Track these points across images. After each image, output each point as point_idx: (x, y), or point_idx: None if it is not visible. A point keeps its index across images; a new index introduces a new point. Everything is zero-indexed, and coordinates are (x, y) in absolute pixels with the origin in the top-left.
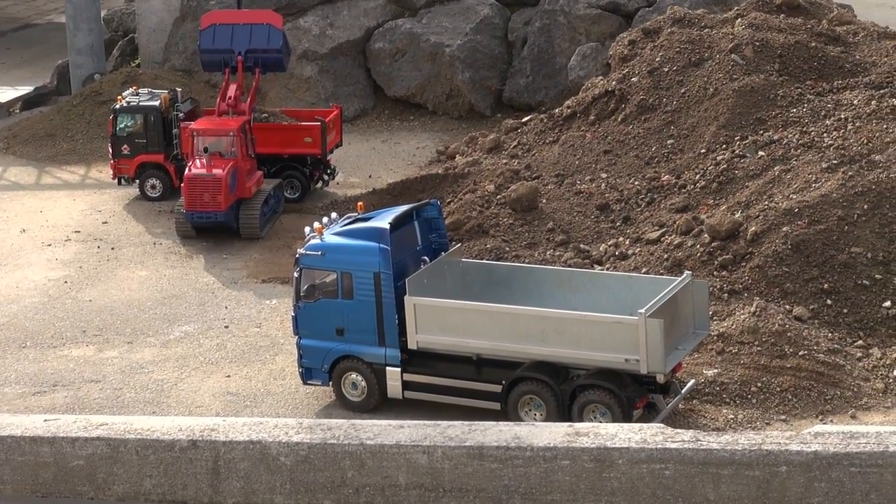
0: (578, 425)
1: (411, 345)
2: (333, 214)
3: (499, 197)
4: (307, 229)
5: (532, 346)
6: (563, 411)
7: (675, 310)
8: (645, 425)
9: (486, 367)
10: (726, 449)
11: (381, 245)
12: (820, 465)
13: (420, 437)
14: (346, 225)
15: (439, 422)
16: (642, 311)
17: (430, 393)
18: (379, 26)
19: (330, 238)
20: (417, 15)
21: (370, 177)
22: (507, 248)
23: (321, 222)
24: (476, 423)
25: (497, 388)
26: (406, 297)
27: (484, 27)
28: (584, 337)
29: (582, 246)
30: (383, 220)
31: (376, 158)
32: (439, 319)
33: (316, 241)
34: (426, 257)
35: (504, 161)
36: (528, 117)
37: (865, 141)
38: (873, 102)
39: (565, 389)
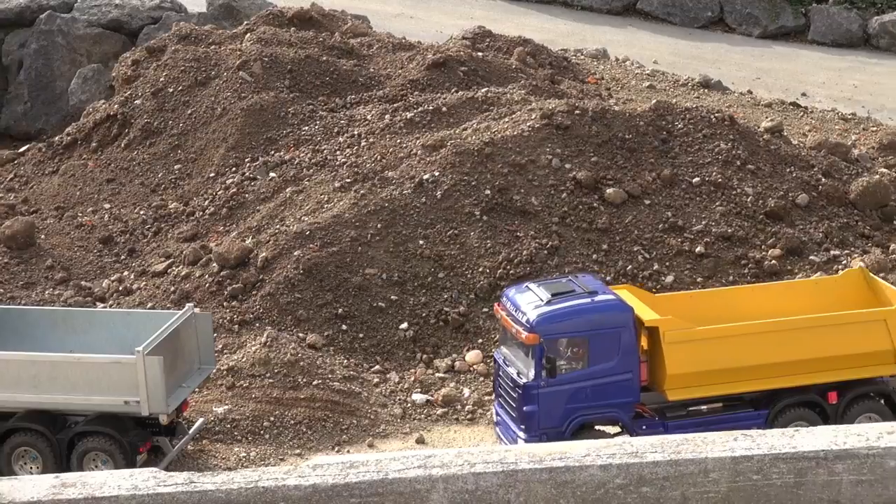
0: (65, 476)
1: None
2: None
3: None
4: None
5: (24, 394)
6: (62, 462)
7: (178, 345)
8: (137, 470)
9: None
10: (221, 489)
11: None
12: (319, 498)
13: None
14: None
15: None
16: (139, 348)
17: None
18: None
19: None
20: None
21: None
22: (2, 290)
23: None
24: None
25: None
26: None
27: None
28: (79, 380)
29: (84, 283)
30: None
31: None
32: None
33: None
34: None
35: None
36: (26, 147)
37: (379, 157)
38: (387, 117)
39: (62, 438)
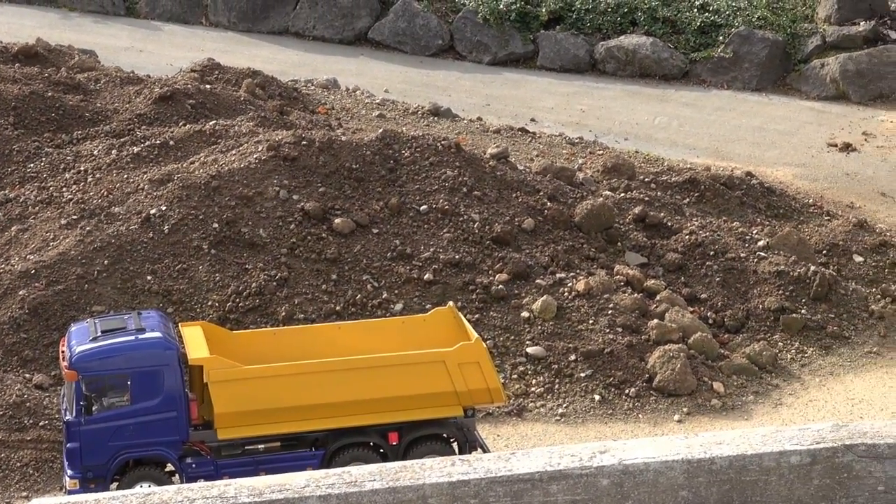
0: None
1: None
2: None
3: None
4: None
5: None
6: None
7: None
8: None
9: None
10: None
11: None
12: None
13: None
14: None
15: None
16: None
17: None
18: None
19: None
20: None
21: None
22: None
23: None
24: None
25: None
26: None
27: None
28: None
29: None
30: None
31: None
32: None
33: None
34: None
35: None
36: None
37: (106, 193)
38: (114, 152)
39: None
